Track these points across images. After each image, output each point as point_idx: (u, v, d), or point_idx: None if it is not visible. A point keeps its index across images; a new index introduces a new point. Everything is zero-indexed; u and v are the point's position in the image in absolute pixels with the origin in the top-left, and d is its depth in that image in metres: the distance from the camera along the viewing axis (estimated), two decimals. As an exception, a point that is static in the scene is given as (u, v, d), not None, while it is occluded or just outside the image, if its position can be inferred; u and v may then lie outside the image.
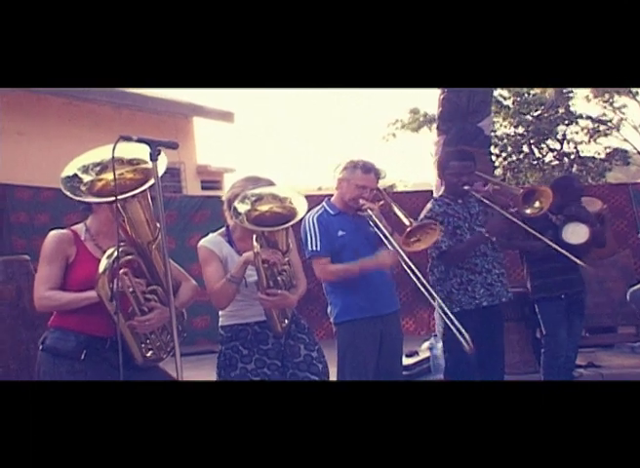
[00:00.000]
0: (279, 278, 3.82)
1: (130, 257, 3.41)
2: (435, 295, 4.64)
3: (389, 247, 4.49)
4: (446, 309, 4.59)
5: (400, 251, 4.46)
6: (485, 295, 5.02)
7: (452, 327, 4.43)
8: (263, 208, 3.77)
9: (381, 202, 4.76)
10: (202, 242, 4.05)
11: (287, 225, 3.72)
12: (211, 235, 4.10)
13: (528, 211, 5.18)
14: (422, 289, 4.52)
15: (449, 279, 5.06)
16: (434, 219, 4.98)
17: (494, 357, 5.16)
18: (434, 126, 7.97)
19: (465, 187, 4.98)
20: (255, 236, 3.71)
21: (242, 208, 3.74)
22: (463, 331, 4.39)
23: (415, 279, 4.65)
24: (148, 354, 3.60)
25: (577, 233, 5.63)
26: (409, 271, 4.50)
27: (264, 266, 3.73)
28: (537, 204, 5.19)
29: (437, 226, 4.76)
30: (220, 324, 4.10)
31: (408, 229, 4.52)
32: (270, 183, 3.98)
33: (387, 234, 4.51)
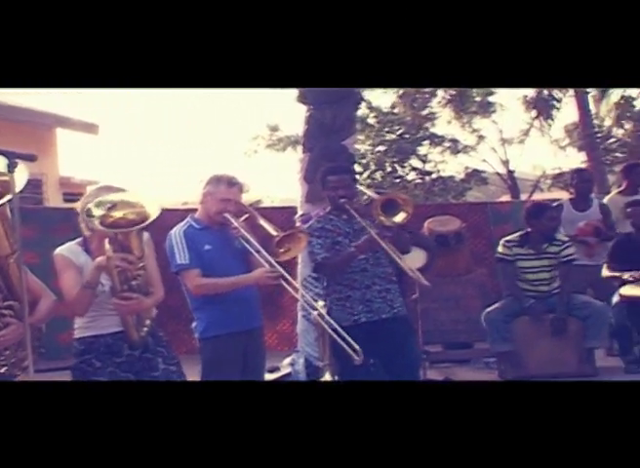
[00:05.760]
0: (134, 282, 3.83)
1: (-15, 272, 3.31)
2: (318, 309, 4.67)
3: (261, 260, 4.51)
4: (333, 323, 4.63)
5: (274, 263, 4.48)
6: (363, 312, 4.98)
7: (340, 340, 4.49)
8: (117, 214, 3.77)
9: (247, 215, 4.78)
10: (58, 250, 4.01)
11: (138, 227, 3.73)
12: (67, 244, 4.05)
13: (396, 219, 4.88)
14: (302, 301, 4.50)
15: (328, 295, 5.06)
16: (310, 234, 5.01)
17: (395, 367, 4.96)
18: (299, 146, 7.99)
19: (341, 201, 5.00)
20: (107, 239, 3.72)
21: (96, 212, 3.74)
22: (353, 342, 4.49)
23: (294, 293, 4.65)
24: (2, 370, 3.51)
25: (414, 258, 5.66)
26: (286, 285, 4.55)
27: (118, 270, 3.74)
28: (401, 214, 4.86)
29: (304, 233, 4.79)
30: (74, 336, 4.05)
31: (276, 239, 4.54)
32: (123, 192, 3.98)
33: (259, 247, 4.54)
